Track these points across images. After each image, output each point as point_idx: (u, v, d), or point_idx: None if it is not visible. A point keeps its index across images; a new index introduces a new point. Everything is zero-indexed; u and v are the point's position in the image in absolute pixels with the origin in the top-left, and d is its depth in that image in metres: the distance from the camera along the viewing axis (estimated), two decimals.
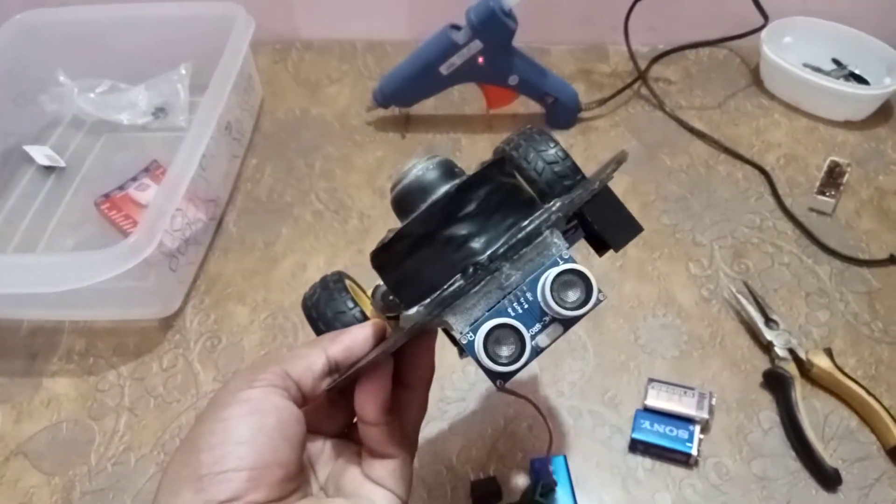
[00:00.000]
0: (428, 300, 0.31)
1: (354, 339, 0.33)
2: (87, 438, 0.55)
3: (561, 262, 0.31)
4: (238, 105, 0.74)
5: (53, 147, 0.77)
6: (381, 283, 0.35)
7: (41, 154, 0.74)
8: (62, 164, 0.75)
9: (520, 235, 0.31)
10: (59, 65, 0.78)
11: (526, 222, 0.32)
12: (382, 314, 0.37)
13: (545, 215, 0.32)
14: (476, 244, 0.31)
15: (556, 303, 0.30)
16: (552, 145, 0.36)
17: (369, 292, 0.39)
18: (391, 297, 0.35)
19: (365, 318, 0.36)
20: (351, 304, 0.36)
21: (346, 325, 0.35)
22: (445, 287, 0.31)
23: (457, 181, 0.33)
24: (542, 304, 0.31)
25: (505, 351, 0.29)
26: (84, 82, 0.79)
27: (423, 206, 0.32)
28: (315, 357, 0.32)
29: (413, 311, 0.31)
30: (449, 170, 0.34)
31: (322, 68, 0.88)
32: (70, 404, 0.57)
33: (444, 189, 0.33)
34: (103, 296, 0.60)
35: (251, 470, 0.28)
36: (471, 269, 0.31)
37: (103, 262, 0.53)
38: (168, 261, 0.61)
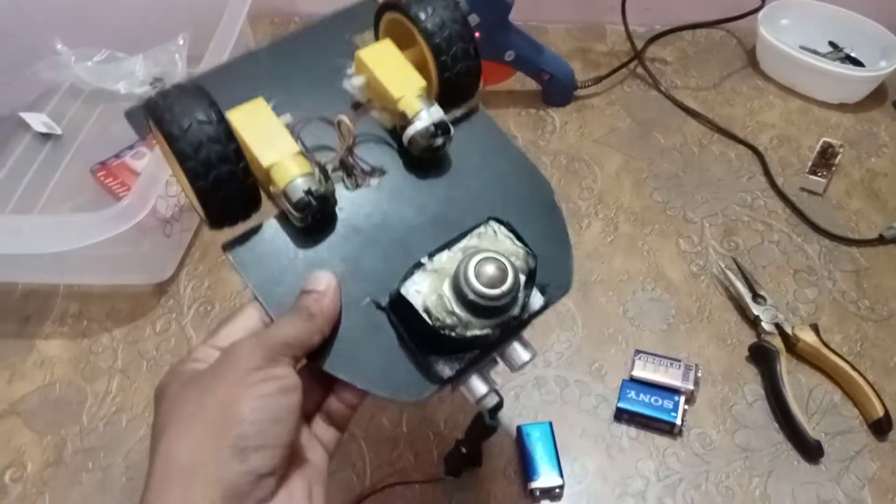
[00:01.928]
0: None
1: (332, 303, 0.33)
2: (80, 399, 0.56)
3: None
4: None
5: (50, 115, 0.77)
6: None
7: (38, 121, 0.74)
8: (59, 131, 0.75)
9: None
10: (56, 33, 0.78)
11: None
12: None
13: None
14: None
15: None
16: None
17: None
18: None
19: (239, 157, 0.32)
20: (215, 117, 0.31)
21: (196, 143, 0.31)
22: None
23: None
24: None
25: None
26: (81, 51, 0.79)
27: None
28: (303, 328, 0.32)
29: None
30: None
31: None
32: (63, 366, 0.58)
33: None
34: (98, 261, 0.60)
35: (284, 448, 0.30)
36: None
37: (96, 225, 0.53)
38: (162, 227, 0.61)
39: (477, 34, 0.69)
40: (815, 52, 0.78)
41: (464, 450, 0.47)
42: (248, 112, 0.35)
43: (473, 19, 0.69)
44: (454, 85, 0.38)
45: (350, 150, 0.37)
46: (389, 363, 0.34)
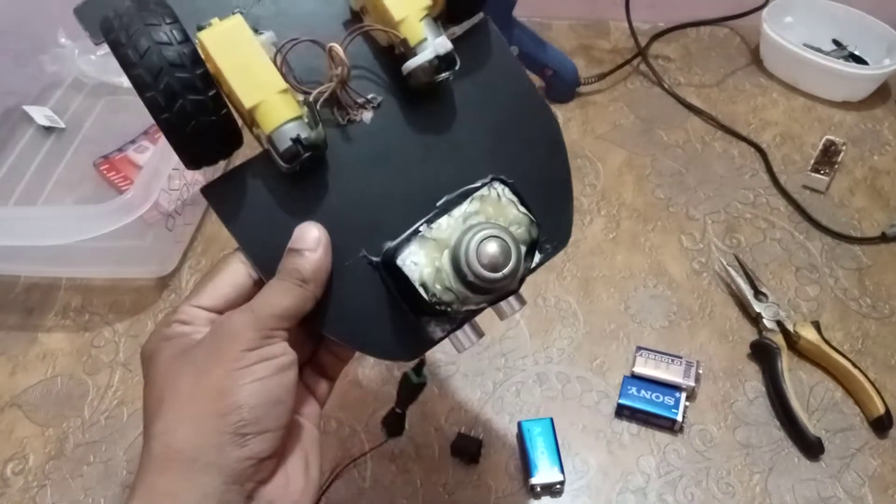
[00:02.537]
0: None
1: (323, 263, 0.32)
2: (81, 392, 0.56)
3: None
4: None
5: (54, 108, 0.77)
6: None
7: (41, 114, 0.75)
8: (62, 124, 0.75)
9: None
10: (60, 26, 0.78)
11: None
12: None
13: None
14: None
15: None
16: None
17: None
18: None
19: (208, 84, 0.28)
20: (179, 37, 0.27)
21: (158, 64, 0.27)
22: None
23: None
24: None
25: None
26: (85, 44, 0.78)
27: None
28: (296, 297, 0.31)
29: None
30: None
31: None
32: (65, 359, 0.58)
33: None
34: (100, 254, 0.60)
35: (284, 428, 0.30)
36: None
37: (98, 217, 0.54)
38: (165, 220, 0.61)
39: None
40: (818, 49, 0.78)
41: (398, 410, 0.52)
42: (224, 34, 0.29)
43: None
44: None
45: (343, 84, 0.32)
46: (382, 322, 0.32)
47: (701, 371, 0.55)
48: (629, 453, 0.52)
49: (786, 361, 0.54)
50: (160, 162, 0.58)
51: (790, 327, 0.56)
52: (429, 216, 0.32)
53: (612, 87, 0.78)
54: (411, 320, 0.33)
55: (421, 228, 0.32)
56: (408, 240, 0.31)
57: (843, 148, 0.69)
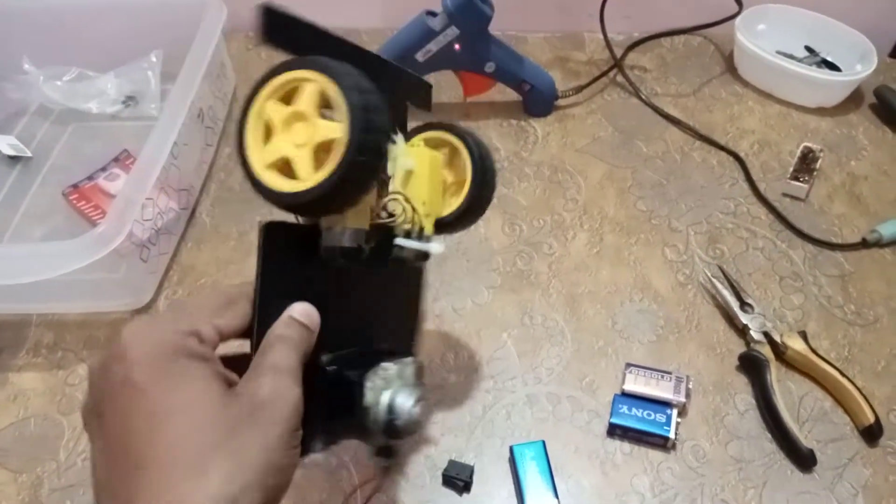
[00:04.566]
0: None
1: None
2: (56, 434, 0.54)
3: None
4: (211, 92, 0.73)
5: (19, 136, 0.74)
6: None
7: (5, 143, 0.72)
8: (28, 153, 0.73)
9: None
10: (24, 52, 0.76)
11: None
12: None
13: None
14: None
15: None
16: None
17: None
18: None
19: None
20: None
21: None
22: None
23: None
24: None
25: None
26: (50, 70, 0.76)
27: None
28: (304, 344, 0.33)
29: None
30: None
31: None
32: (38, 399, 0.56)
33: None
34: (73, 287, 0.58)
35: None
36: None
37: (71, 253, 0.52)
38: (139, 251, 0.59)
39: (457, 46, 0.69)
40: (791, 56, 0.78)
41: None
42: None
43: (453, 31, 0.68)
44: (477, 203, 0.44)
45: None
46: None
47: (691, 385, 0.54)
48: (623, 474, 0.51)
49: (774, 373, 0.54)
50: (133, 191, 0.57)
51: (777, 338, 0.56)
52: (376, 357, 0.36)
53: (589, 100, 0.78)
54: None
55: (384, 364, 0.35)
56: (366, 367, 0.34)
57: (821, 154, 0.70)
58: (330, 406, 0.33)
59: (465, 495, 0.50)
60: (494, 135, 0.75)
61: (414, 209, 0.37)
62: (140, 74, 0.76)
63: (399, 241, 0.37)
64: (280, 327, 0.32)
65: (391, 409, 0.33)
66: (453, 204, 0.44)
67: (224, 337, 0.32)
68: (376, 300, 0.40)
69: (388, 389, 0.34)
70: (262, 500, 0.28)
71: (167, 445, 0.27)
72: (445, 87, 0.79)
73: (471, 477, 0.50)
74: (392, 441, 0.34)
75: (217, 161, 0.74)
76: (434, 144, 0.45)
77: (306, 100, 0.33)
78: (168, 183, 0.63)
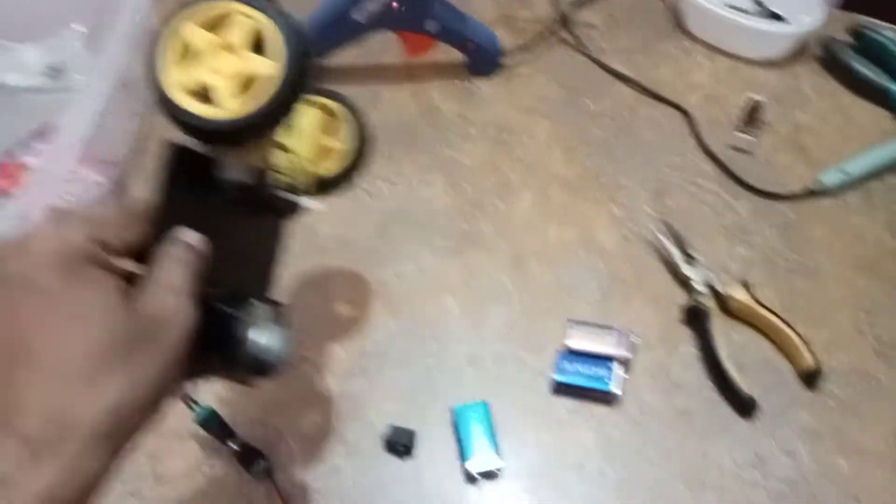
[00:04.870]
0: None
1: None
2: None
3: None
4: (136, 61, 0.69)
5: None
6: None
7: None
8: None
9: None
10: None
11: None
12: None
13: None
14: None
15: None
16: None
17: None
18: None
19: None
20: None
21: None
22: None
23: None
24: None
25: None
26: None
27: None
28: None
29: None
30: None
31: None
32: None
33: None
34: None
35: None
36: None
37: None
38: None
39: (395, 4, 0.67)
40: (740, 9, 0.77)
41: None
42: None
43: None
44: None
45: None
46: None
47: (634, 340, 0.54)
48: (567, 430, 0.51)
49: (717, 324, 0.54)
50: (54, 165, 0.54)
51: (720, 289, 0.56)
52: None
53: (536, 58, 0.77)
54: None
55: (255, 304, 0.35)
56: (239, 306, 0.34)
57: (767, 106, 0.69)
58: (206, 339, 0.33)
59: (407, 460, 0.50)
60: (438, 96, 0.73)
61: (298, 162, 0.39)
62: (65, 45, 0.73)
63: (282, 193, 0.38)
64: (179, 250, 0.31)
65: (262, 346, 0.34)
66: (330, 168, 0.46)
67: (126, 253, 0.31)
68: (247, 244, 0.39)
69: (260, 328, 0.34)
70: (143, 422, 0.28)
71: (61, 350, 0.26)
72: (389, 48, 0.77)
73: (413, 441, 0.50)
74: (255, 378, 0.34)
75: (146, 132, 0.71)
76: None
77: (239, 33, 0.33)
78: (94, 156, 0.60)
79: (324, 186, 0.46)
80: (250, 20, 0.33)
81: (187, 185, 0.33)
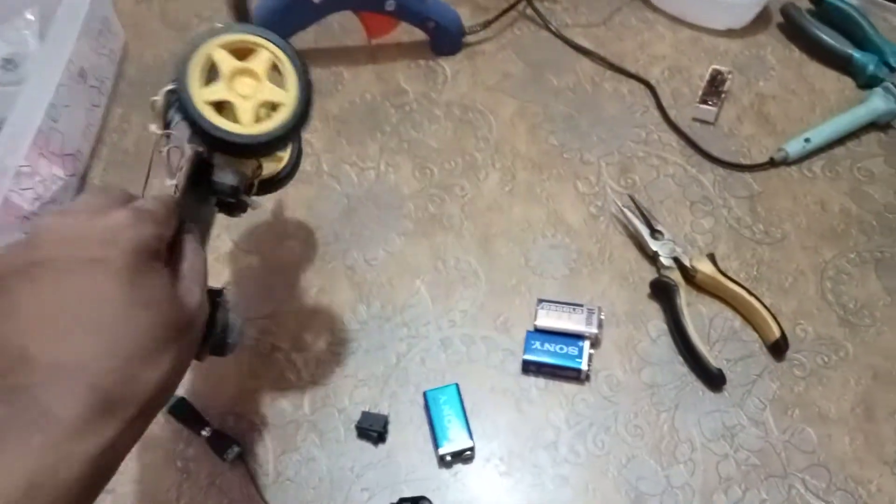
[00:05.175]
0: None
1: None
2: None
3: None
4: (93, 50, 0.67)
5: None
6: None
7: None
8: None
9: None
10: None
11: None
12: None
13: None
14: None
15: None
16: None
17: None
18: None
19: None
20: None
21: None
22: None
23: None
24: None
25: None
26: None
27: None
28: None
29: None
30: None
31: (191, 6, 0.81)
32: None
33: None
34: None
35: None
36: None
37: None
38: (22, 224, 0.55)
39: None
40: None
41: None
42: None
43: None
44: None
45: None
46: None
47: (603, 317, 0.54)
48: (538, 409, 0.51)
49: (684, 297, 0.55)
50: (4, 158, 0.53)
51: (687, 262, 0.56)
52: None
53: (498, 35, 0.76)
54: None
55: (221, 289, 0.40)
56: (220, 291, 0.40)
57: (730, 77, 0.69)
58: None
59: (380, 446, 0.50)
60: (402, 77, 0.72)
61: (260, 167, 0.44)
62: (16, 35, 0.70)
63: (245, 197, 0.42)
64: (195, 245, 0.36)
65: (225, 326, 0.38)
66: (271, 168, 0.49)
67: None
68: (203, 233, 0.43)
69: (233, 312, 0.39)
70: (166, 402, 0.33)
71: (132, 329, 0.30)
72: (350, 30, 0.75)
73: (385, 427, 0.49)
74: (212, 355, 0.38)
75: (108, 123, 0.69)
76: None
77: (260, 63, 0.39)
78: (49, 148, 0.59)
79: (274, 182, 0.49)
80: (271, 54, 0.40)
81: (193, 185, 0.38)
